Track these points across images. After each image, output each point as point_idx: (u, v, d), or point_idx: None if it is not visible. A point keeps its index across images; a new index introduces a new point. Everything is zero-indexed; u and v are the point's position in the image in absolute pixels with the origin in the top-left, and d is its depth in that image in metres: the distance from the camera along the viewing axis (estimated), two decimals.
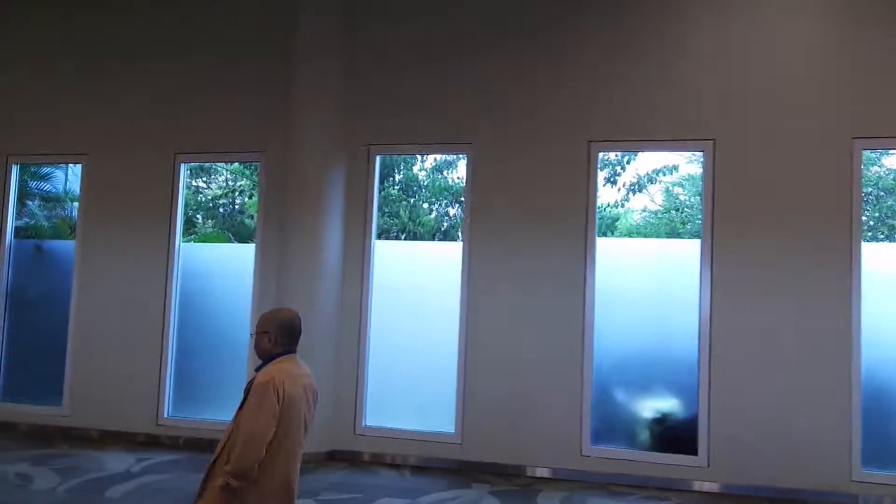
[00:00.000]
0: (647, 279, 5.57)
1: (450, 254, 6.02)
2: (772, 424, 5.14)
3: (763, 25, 5.47)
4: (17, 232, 7.02)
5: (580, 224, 5.64)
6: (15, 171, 6.90)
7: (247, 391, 2.54)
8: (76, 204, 9.38)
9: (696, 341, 5.35)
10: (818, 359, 5.13)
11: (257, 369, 2.59)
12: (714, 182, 5.44)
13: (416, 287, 6.03)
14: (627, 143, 5.76)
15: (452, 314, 5.83)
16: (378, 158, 6.18)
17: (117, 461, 5.55)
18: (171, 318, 6.37)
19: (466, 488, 5.09)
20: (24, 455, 5.62)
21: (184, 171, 6.54)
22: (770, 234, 5.29)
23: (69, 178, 8.41)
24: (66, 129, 6.75)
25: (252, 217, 13.39)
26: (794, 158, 5.31)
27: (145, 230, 6.48)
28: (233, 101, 6.39)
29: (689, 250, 5.53)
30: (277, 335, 2.59)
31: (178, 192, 6.48)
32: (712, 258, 5.37)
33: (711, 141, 5.48)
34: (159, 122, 6.55)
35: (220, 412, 6.15)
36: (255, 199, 13.33)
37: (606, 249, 5.67)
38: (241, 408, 2.52)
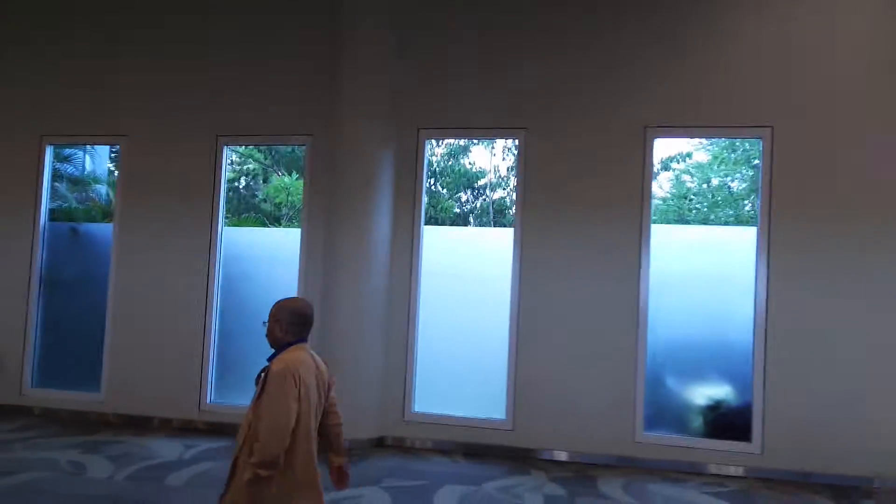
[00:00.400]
0: (700, 266, 5.56)
1: (500, 239, 5.96)
2: (827, 411, 5.17)
3: (822, 12, 5.42)
4: (49, 214, 6.86)
5: (635, 210, 5.60)
6: (49, 152, 6.75)
7: (260, 380, 2.53)
8: (99, 186, 9.24)
9: (752, 328, 5.36)
10: (875, 346, 5.15)
11: (269, 358, 2.58)
12: (772, 170, 5.41)
13: (466, 273, 5.98)
14: (683, 130, 5.70)
15: (503, 300, 5.80)
16: (427, 143, 6.10)
17: (166, 448, 5.49)
18: (214, 303, 6.28)
19: (525, 475, 5.08)
20: (69, 442, 5.54)
21: (227, 154, 6.42)
22: (828, 221, 5.28)
23: (94, 159, 8.22)
24: (105, 109, 6.59)
25: (265, 200, 13.26)
26: (852, 146, 5.29)
27: (186, 213, 6.36)
28: (278, 82, 6.26)
29: (745, 238, 5.51)
30: (288, 323, 2.58)
31: (220, 176, 6.36)
32: (769, 246, 5.36)
33: (769, 128, 5.44)
34: (201, 104, 6.40)
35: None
36: (273, 183, 13.18)
37: (660, 235, 5.64)
38: (257, 398, 2.50)
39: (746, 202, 12.06)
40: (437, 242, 6.07)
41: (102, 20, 6.63)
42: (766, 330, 5.31)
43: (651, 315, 5.54)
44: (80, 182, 8.24)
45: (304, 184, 6.25)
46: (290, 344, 2.59)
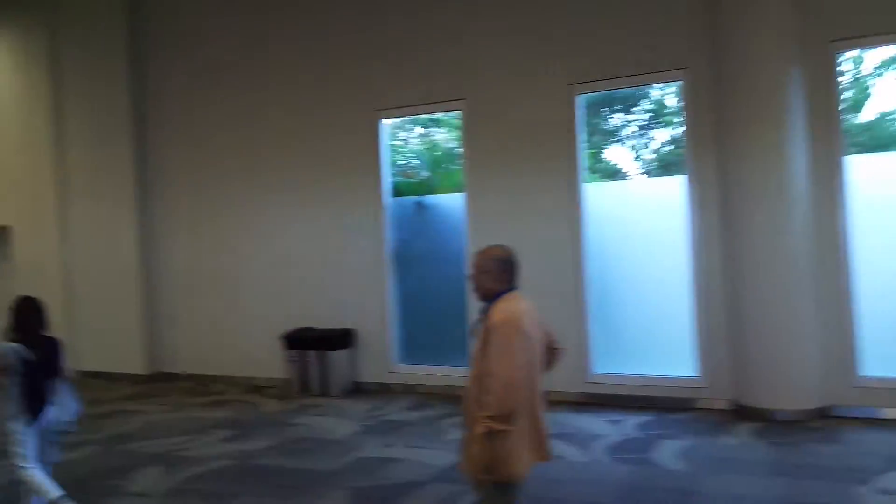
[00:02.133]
0: None
1: None
2: None
3: None
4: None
5: None
6: (386, 129, 6.61)
7: (481, 333, 2.40)
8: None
9: None
10: None
11: (483, 310, 2.48)
12: None
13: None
14: None
15: None
16: (839, 59, 5.03)
17: (588, 425, 5.08)
18: (584, 267, 5.76)
19: None
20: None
21: (582, 103, 5.82)
22: None
23: None
24: (438, 76, 6.29)
25: None
26: None
27: (540, 172, 5.89)
28: (640, 15, 5.53)
29: None
30: (499, 272, 2.50)
31: (577, 127, 5.78)
32: None
33: None
34: (551, 50, 5.85)
35: (651, 366, 5.55)
36: None
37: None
38: (479, 351, 2.38)
39: None
40: (862, 174, 5.02)
41: None
42: None
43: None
44: None
45: (686, 125, 5.47)
46: (502, 293, 2.48)
